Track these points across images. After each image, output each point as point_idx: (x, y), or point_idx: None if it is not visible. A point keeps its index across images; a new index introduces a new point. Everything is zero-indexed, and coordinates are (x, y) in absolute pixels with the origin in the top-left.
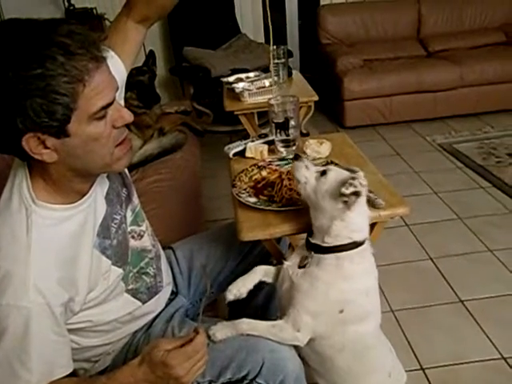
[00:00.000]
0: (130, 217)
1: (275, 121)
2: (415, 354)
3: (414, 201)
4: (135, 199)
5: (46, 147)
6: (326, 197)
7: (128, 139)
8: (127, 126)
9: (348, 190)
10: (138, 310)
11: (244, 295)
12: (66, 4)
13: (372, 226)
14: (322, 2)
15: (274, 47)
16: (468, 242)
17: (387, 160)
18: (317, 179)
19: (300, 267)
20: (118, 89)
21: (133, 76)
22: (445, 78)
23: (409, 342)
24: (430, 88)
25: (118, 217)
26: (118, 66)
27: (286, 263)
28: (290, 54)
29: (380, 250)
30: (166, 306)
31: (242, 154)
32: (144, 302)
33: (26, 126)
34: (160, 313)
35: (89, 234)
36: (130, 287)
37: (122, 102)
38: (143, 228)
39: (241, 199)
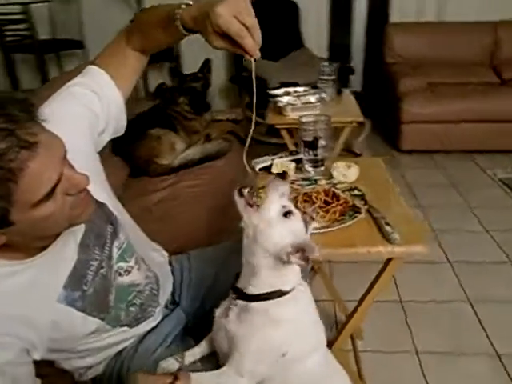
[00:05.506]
0: (116, 254)
1: (304, 139)
2: None
3: (461, 237)
4: (122, 235)
5: None
6: (271, 240)
7: (86, 195)
8: (173, 127)
9: (300, 262)
10: (126, 332)
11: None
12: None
13: (387, 261)
14: (391, 20)
15: (326, 63)
16: None
17: (439, 190)
18: (276, 215)
19: (225, 317)
20: (65, 155)
21: (186, 82)
22: None
23: None
24: (497, 118)
25: (95, 263)
26: (113, 96)
27: (218, 311)
28: (351, 71)
29: (415, 283)
30: (164, 317)
31: (269, 169)
32: (132, 327)
33: None
34: (155, 327)
35: (48, 289)
36: (120, 323)
37: (110, 129)
38: (131, 264)
39: None
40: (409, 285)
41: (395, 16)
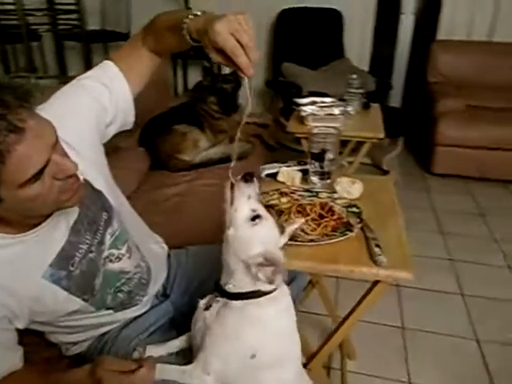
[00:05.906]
0: (108, 240)
1: (312, 151)
2: None
3: (480, 270)
4: (116, 223)
5: None
6: (239, 246)
7: (75, 181)
8: (200, 124)
9: (262, 277)
10: (110, 316)
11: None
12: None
13: (375, 283)
14: (438, 37)
15: (354, 76)
16: None
17: (466, 219)
18: (245, 221)
19: (205, 309)
20: (56, 141)
21: (218, 82)
22: None
23: None
24: None
25: (85, 246)
26: (122, 91)
27: (201, 302)
28: (389, 86)
29: (421, 312)
30: (152, 307)
31: (275, 176)
32: (117, 311)
33: None
34: (142, 314)
35: (34, 264)
36: (106, 306)
37: (117, 122)
38: (122, 251)
39: None
40: (414, 312)
41: (442, 33)
